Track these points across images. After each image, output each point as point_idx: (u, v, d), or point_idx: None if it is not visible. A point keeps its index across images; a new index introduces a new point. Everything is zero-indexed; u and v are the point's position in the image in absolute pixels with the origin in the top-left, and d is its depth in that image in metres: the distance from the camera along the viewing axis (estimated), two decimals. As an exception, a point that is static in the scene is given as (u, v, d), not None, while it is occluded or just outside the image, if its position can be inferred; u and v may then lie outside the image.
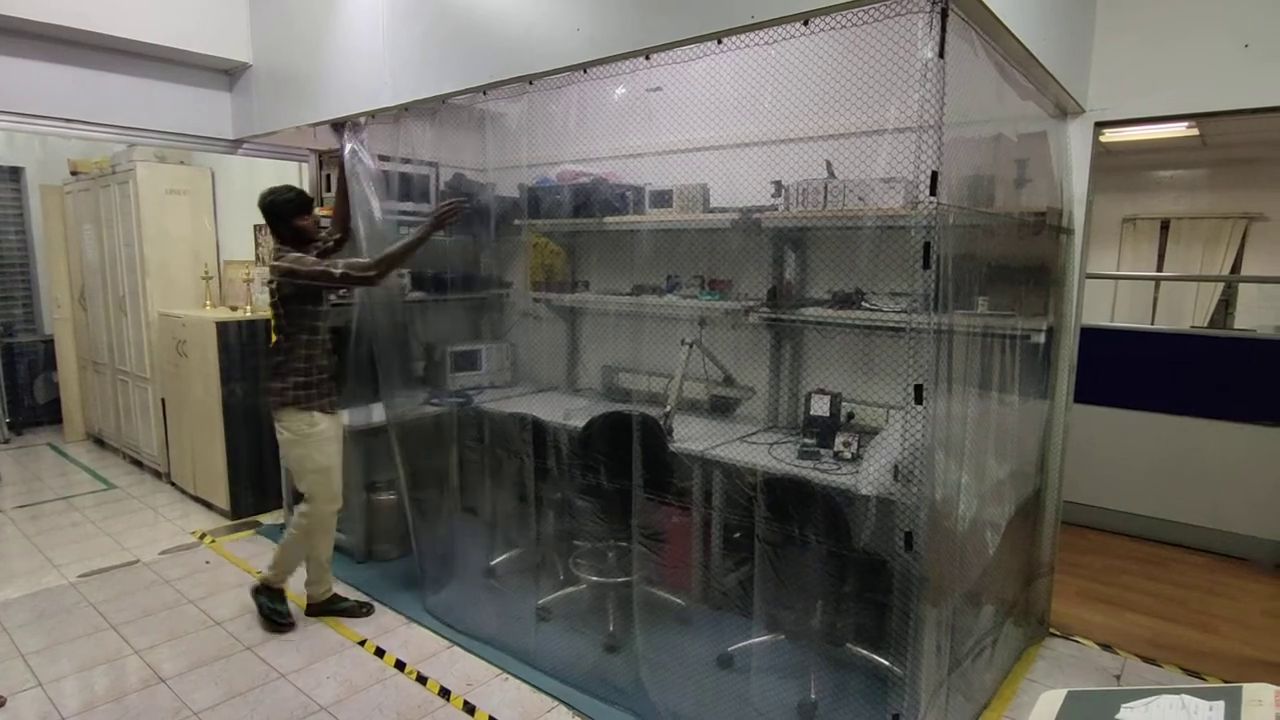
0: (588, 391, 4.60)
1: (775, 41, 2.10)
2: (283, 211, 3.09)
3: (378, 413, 3.99)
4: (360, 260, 3.06)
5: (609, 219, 3.85)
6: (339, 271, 2.96)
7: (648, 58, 2.36)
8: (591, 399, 4.36)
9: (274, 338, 3.14)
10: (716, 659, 2.94)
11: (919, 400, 1.89)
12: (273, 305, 3.07)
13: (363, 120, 3.37)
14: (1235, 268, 6.72)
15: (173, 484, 5.11)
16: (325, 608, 3.35)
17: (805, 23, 1.99)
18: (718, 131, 3.65)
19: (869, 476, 2.38)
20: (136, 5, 3.38)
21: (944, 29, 1.73)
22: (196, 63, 3.75)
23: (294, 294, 3.00)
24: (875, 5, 1.86)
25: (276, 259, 3.03)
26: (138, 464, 5.58)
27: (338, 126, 3.41)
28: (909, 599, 2.01)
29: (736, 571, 3.54)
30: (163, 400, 5.06)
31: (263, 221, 4.21)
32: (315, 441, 3.11)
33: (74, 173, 5.81)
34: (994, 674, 2.82)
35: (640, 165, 4.13)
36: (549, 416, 3.67)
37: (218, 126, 3.96)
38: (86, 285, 5.91)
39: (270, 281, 3.04)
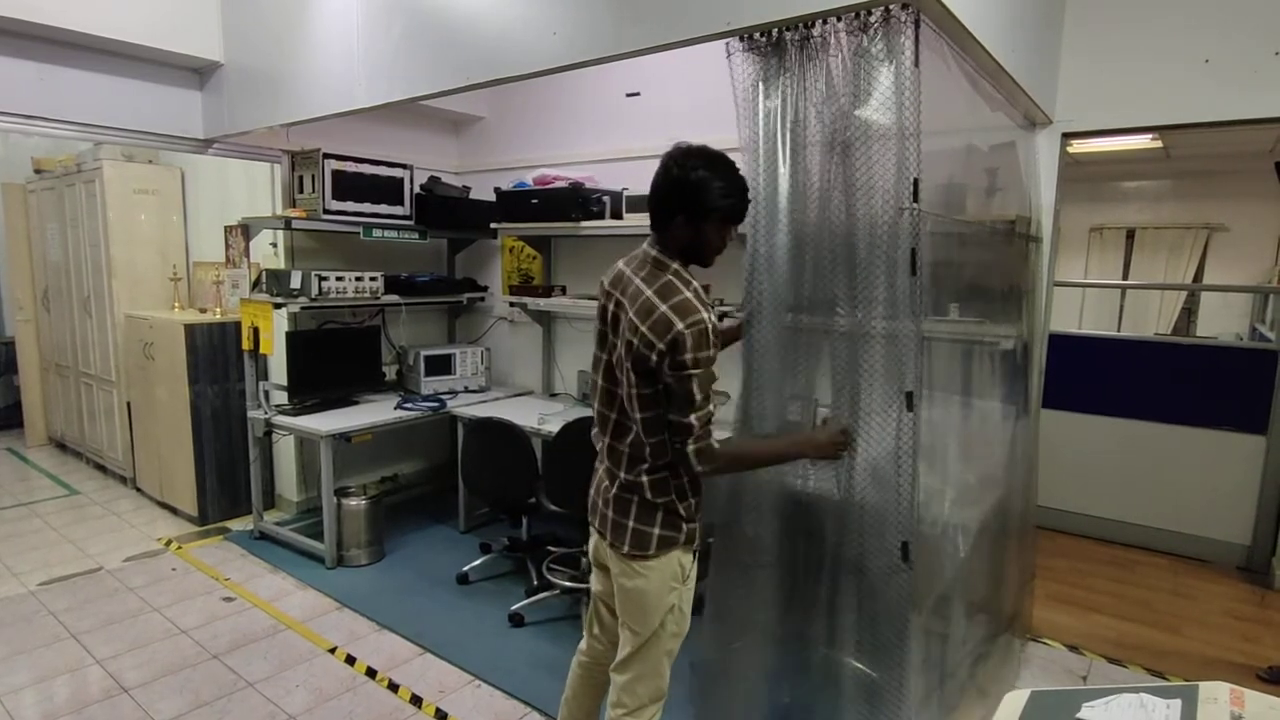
0: (563, 397, 4.60)
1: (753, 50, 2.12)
2: (712, 200, 1.74)
3: (348, 418, 3.96)
4: None
5: (585, 223, 3.87)
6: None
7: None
8: (567, 404, 4.37)
9: (629, 427, 1.82)
10: (690, 665, 2.93)
11: (910, 407, 1.91)
12: (632, 375, 1.74)
13: None
14: (1197, 277, 6.91)
15: (138, 489, 5.00)
16: None
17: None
18: (695, 136, 3.67)
19: (844, 481, 2.39)
20: (99, 1, 3.30)
21: (917, 39, 1.76)
22: (165, 60, 3.68)
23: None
24: (849, 16, 1.88)
25: (662, 293, 1.71)
26: (102, 469, 5.45)
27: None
28: (889, 605, 2.03)
29: (707, 578, 3.55)
30: (128, 404, 4.95)
31: (234, 223, 4.18)
32: (688, 591, 2.04)
33: (38, 170, 5.67)
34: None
35: (618, 169, 4.15)
36: (523, 421, 3.66)
37: (187, 125, 3.89)
38: (50, 286, 5.77)
39: (637, 334, 1.70)
